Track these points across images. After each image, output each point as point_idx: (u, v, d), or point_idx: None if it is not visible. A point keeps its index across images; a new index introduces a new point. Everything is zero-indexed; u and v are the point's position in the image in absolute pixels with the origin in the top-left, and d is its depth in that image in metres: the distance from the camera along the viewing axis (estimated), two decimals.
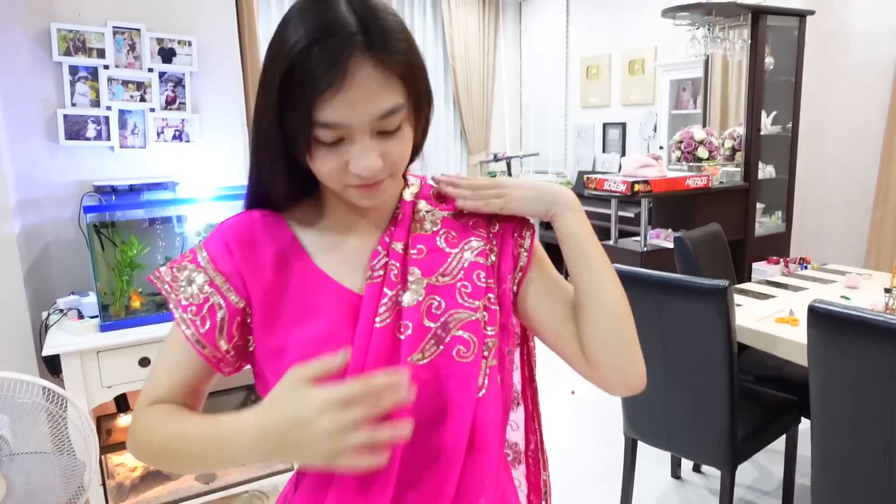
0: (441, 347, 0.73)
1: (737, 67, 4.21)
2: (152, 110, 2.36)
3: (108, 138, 2.30)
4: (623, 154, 5.45)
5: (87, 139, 2.27)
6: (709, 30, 3.78)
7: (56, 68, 2.21)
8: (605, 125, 5.67)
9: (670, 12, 3.76)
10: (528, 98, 6.61)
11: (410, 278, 0.76)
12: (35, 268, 2.23)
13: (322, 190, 0.80)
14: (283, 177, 0.75)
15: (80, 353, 1.94)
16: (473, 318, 0.75)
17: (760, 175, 3.90)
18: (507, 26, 6.54)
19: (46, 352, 1.90)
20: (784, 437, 2.25)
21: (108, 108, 2.28)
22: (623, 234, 3.91)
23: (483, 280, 0.77)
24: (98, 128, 2.28)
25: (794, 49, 3.85)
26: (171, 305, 0.76)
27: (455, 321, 0.74)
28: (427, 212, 0.83)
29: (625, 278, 2.04)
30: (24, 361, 2.07)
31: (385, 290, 0.75)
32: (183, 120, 2.41)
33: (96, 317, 2.08)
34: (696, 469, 2.69)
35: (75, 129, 2.25)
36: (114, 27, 2.25)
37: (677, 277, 1.90)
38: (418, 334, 0.73)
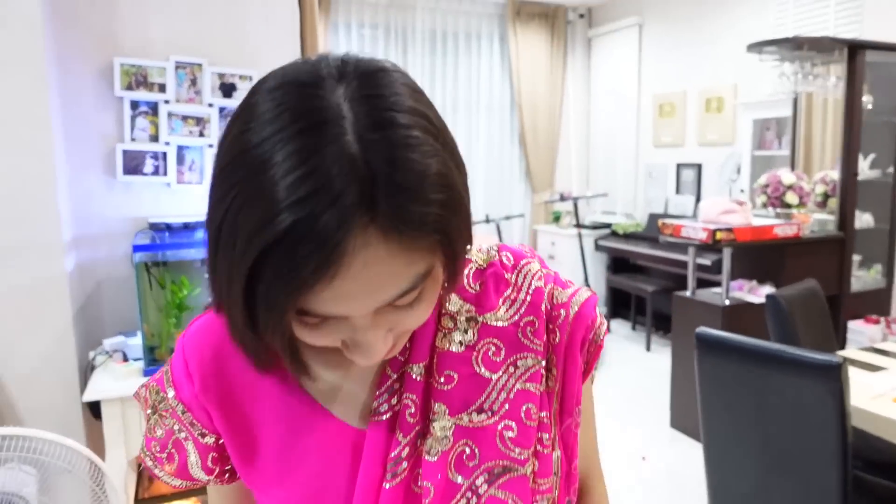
0: None
1: (829, 106, 3.89)
2: (210, 146, 2.29)
3: (166, 174, 2.24)
4: (698, 197, 5.14)
5: (145, 174, 2.22)
6: (800, 65, 3.50)
7: (117, 103, 2.18)
8: (678, 166, 5.38)
9: (756, 47, 3.51)
10: (597, 136, 6.40)
11: (433, 417, 0.56)
12: (86, 306, 2.17)
13: None
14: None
15: (121, 399, 1.85)
16: (518, 473, 0.56)
17: (857, 224, 3.54)
18: (576, 62, 6.38)
19: (87, 397, 1.83)
20: None
21: (167, 143, 2.23)
22: (699, 283, 3.61)
23: (534, 417, 0.57)
24: (156, 163, 2.23)
25: (895, 87, 3.52)
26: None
27: (494, 476, 0.56)
28: (459, 314, 0.59)
29: (717, 346, 1.79)
30: (68, 404, 1.99)
31: (398, 436, 0.55)
32: None
33: (141, 359, 1.99)
34: None
35: (133, 164, 2.20)
36: (176, 62, 2.21)
37: (782, 349, 1.64)
38: (443, 496, 0.55)
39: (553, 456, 0.59)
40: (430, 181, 0.43)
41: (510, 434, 0.56)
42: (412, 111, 0.45)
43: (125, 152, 2.18)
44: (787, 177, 3.51)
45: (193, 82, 2.24)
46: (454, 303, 0.59)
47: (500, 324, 0.59)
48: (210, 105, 2.27)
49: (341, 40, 5.40)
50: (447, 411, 0.56)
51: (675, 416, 3.44)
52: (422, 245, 0.44)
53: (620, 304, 5.68)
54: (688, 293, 3.40)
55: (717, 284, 3.61)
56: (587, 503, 0.70)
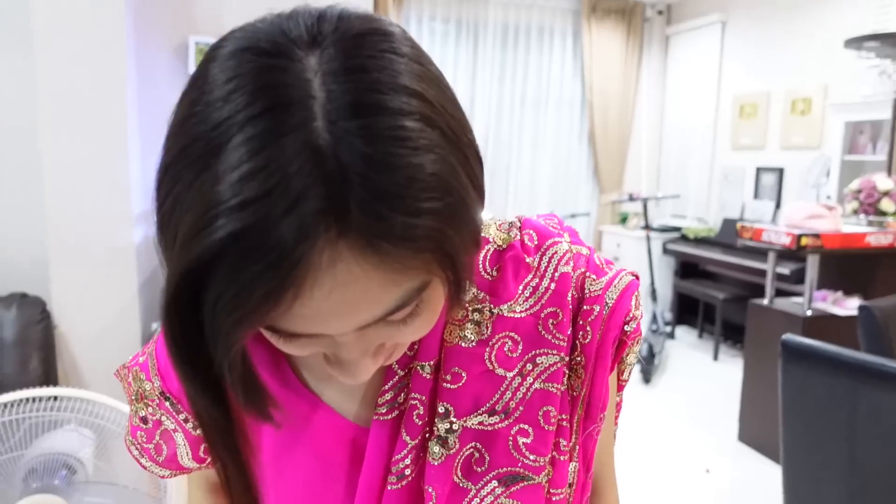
0: None
1: None
2: None
3: None
4: (778, 203, 4.86)
5: None
6: None
7: None
8: (758, 169, 5.10)
9: (855, 42, 3.26)
10: (670, 136, 6.16)
11: (440, 419, 0.49)
12: (151, 278, 2.21)
13: None
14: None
15: None
16: (533, 482, 0.49)
17: None
18: (651, 59, 6.16)
19: None
20: None
21: None
22: (776, 292, 3.39)
23: (553, 421, 0.50)
24: None
25: None
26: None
27: (505, 484, 0.49)
28: (472, 305, 0.51)
29: (805, 354, 1.64)
30: None
31: (405, 437, 0.49)
32: None
33: None
34: None
35: None
36: None
37: (881, 362, 1.48)
38: (448, 501, 0.49)
39: (570, 466, 0.52)
40: (422, 184, 0.33)
41: (525, 439, 0.50)
42: (406, 91, 0.34)
43: None
44: (883, 182, 3.24)
45: None
46: (472, 297, 0.51)
47: (517, 315, 0.51)
48: None
49: (412, 34, 5.38)
50: (454, 412, 0.49)
51: (743, 430, 3.25)
52: (410, 263, 0.34)
53: (687, 311, 5.43)
54: (765, 301, 3.20)
55: (796, 295, 3.38)
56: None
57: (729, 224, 4.95)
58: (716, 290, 4.73)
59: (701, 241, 5.19)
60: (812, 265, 3.00)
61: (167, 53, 2.18)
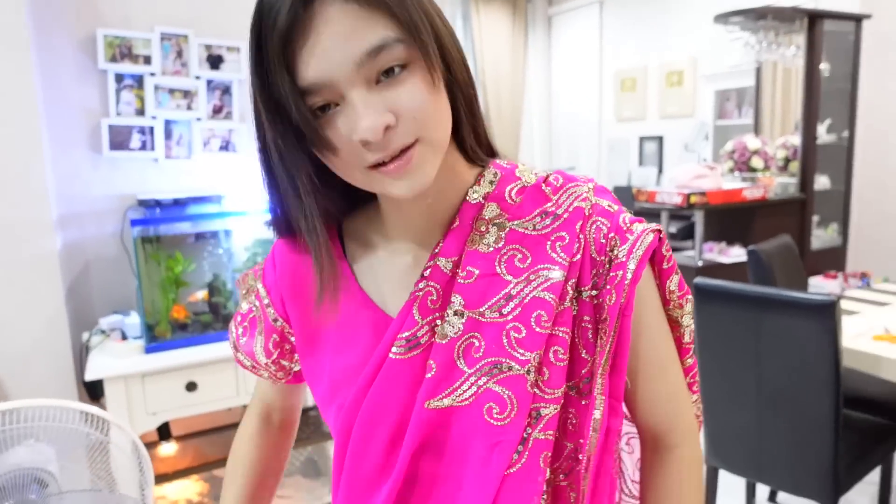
0: (471, 398, 0.58)
1: (786, 75, 4.05)
2: (199, 120, 2.25)
3: (153, 149, 2.19)
4: (660, 168, 5.29)
5: (132, 150, 2.17)
6: (763, 35, 3.63)
7: (101, 76, 2.11)
8: (641, 139, 5.52)
9: (723, 17, 3.62)
10: (559, 111, 6.49)
11: (451, 307, 0.60)
12: (75, 286, 2.11)
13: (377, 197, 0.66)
14: (317, 194, 0.60)
15: (124, 377, 1.82)
16: (517, 371, 0.58)
17: (815, 186, 3.72)
18: (536, 39, 6.44)
19: (90, 376, 1.78)
20: (879, 468, 2.06)
21: (154, 117, 2.18)
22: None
23: (545, 325, 0.58)
24: (143, 138, 2.18)
25: (850, 55, 3.69)
26: None
27: (494, 371, 0.58)
28: (493, 219, 0.62)
29: (716, 294, 1.88)
30: (63, 386, 1.94)
31: (415, 315, 0.60)
32: (230, 130, 2.30)
33: (140, 338, 1.96)
34: (772, 498, 2.49)
35: (119, 140, 2.15)
36: (161, 33, 2.15)
37: (779, 292, 1.74)
38: (444, 376, 0.59)
39: (563, 370, 0.59)
40: None
41: (517, 335, 0.58)
42: None
43: (111, 127, 2.12)
44: (752, 142, 3.66)
45: (179, 54, 2.19)
46: (491, 210, 0.62)
47: (529, 233, 0.61)
48: (197, 77, 2.22)
49: None
50: (463, 303, 0.60)
51: None
52: (374, 7, 0.51)
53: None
54: None
55: (685, 250, 3.74)
56: (668, 463, 0.67)
57: (619, 191, 5.30)
58: None
59: None
60: (699, 220, 3.34)
61: (73, 48, 2.06)
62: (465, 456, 0.58)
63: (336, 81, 0.52)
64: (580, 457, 0.60)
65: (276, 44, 0.51)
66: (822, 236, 3.87)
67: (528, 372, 0.57)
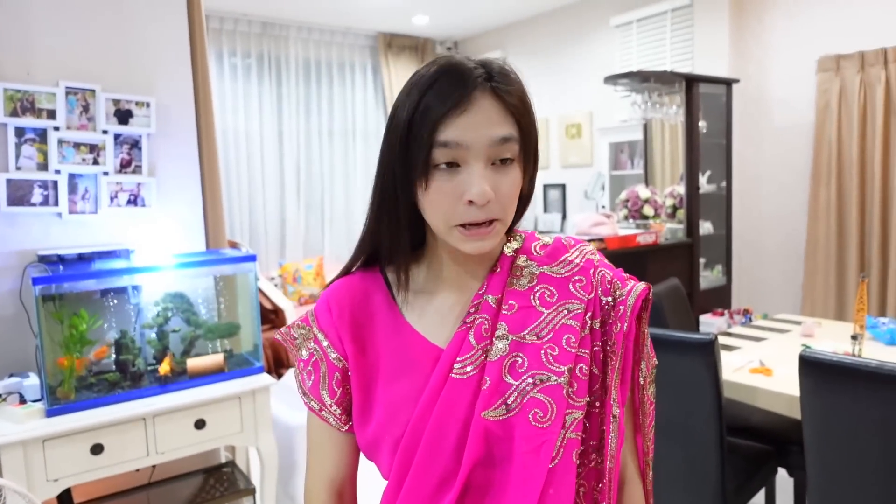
0: (518, 407, 0.71)
1: (669, 130, 4.46)
2: (105, 174, 2.22)
3: (56, 204, 2.14)
4: (564, 214, 5.60)
5: (33, 205, 2.10)
6: (648, 95, 4.00)
7: (1, 130, 2.05)
8: (545, 186, 5.83)
9: (612, 79, 3.96)
10: None
11: (498, 333, 0.75)
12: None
13: (426, 246, 0.81)
14: (398, 224, 0.76)
15: (23, 443, 1.73)
16: (555, 381, 0.72)
17: (700, 231, 4.08)
18: None
19: None
20: (763, 490, 2.26)
21: (58, 171, 2.13)
22: None
23: (573, 346, 0.74)
24: (45, 193, 2.12)
25: (724, 113, 4.12)
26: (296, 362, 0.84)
27: (536, 382, 0.72)
28: (525, 266, 0.80)
29: None
30: None
31: (471, 340, 0.74)
32: (139, 184, 2.28)
33: (40, 400, 1.88)
34: None
35: (19, 195, 2.08)
36: (66, 87, 2.13)
37: (666, 333, 1.91)
38: (496, 389, 0.72)
39: (586, 382, 0.74)
40: (517, 79, 0.74)
41: (553, 353, 0.74)
42: (514, 70, 0.75)
43: (9, 181, 2.06)
44: (643, 192, 3.97)
45: (86, 109, 2.17)
46: (522, 259, 0.80)
47: (555, 275, 0.79)
48: (105, 132, 2.20)
49: (213, 68, 5.29)
50: (507, 329, 0.75)
51: None
52: (511, 110, 0.71)
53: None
54: None
55: None
56: (626, 496, 0.82)
57: None
58: None
59: None
60: None
61: None
62: (514, 458, 0.70)
63: (469, 148, 0.69)
64: (592, 454, 0.75)
65: (437, 106, 0.68)
66: (709, 277, 4.23)
67: (564, 382, 0.72)
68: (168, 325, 2.17)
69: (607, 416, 0.75)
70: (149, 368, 2.10)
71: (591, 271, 0.79)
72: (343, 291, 0.82)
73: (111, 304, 2.13)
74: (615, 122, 4.89)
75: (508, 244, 0.81)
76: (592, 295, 0.77)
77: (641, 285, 0.79)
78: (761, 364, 2.27)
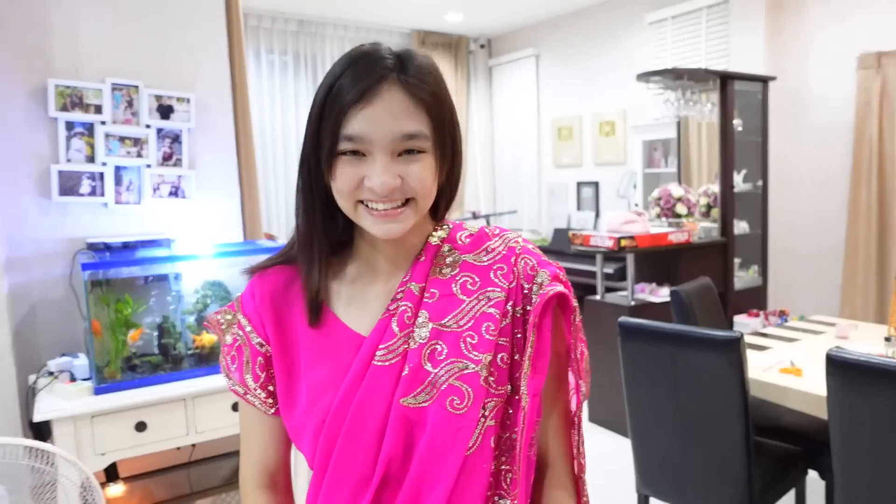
0: (435, 394, 0.72)
1: (704, 128, 4.41)
2: (149, 166, 2.32)
3: (103, 194, 2.24)
4: (597, 212, 5.58)
5: (81, 195, 2.21)
6: (682, 93, 3.97)
7: (51, 124, 2.17)
8: (578, 184, 5.82)
9: (644, 76, 3.94)
10: (502, 157, 6.76)
11: (419, 321, 0.75)
12: (21, 329, 2.11)
13: (354, 238, 0.81)
14: (314, 214, 0.77)
15: (73, 418, 1.83)
16: (472, 370, 0.72)
17: (736, 230, 4.03)
18: (478, 88, 6.74)
19: (38, 417, 1.79)
20: (793, 491, 2.24)
21: (104, 163, 2.24)
22: (605, 290, 3.95)
23: (492, 333, 0.74)
24: (93, 184, 2.23)
25: (760, 111, 4.06)
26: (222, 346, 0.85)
27: (454, 370, 0.72)
28: (449, 255, 0.80)
29: (637, 332, 2.05)
30: (10, 429, 1.94)
31: (394, 328, 0.75)
32: (179, 176, 2.38)
33: (88, 379, 1.98)
34: None
35: (69, 186, 2.19)
36: (112, 84, 2.23)
37: (691, 330, 1.92)
38: (415, 377, 0.72)
39: (506, 371, 0.74)
40: (431, 72, 0.73)
41: (472, 340, 0.74)
42: (430, 59, 0.75)
43: (61, 173, 2.17)
44: (676, 190, 3.94)
45: (130, 104, 2.27)
46: (446, 248, 0.80)
47: (477, 263, 0.79)
48: (147, 126, 2.30)
49: (251, 65, 5.42)
50: (429, 317, 0.75)
51: (592, 411, 3.73)
52: (422, 104, 0.70)
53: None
54: (598, 297, 3.72)
55: (621, 290, 3.96)
56: (546, 488, 0.82)
57: (559, 233, 5.58)
58: None
59: None
60: (631, 262, 3.57)
61: (23, 96, 2.11)
62: (431, 444, 0.70)
63: (373, 143, 0.69)
64: (517, 444, 0.74)
65: (341, 98, 0.69)
66: (744, 277, 4.17)
67: (482, 369, 0.72)
68: (207, 311, 2.25)
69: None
70: (188, 352, 2.19)
71: (513, 259, 0.78)
72: (267, 279, 0.82)
73: (154, 289, 2.23)
74: (649, 119, 4.85)
75: (435, 233, 0.81)
76: (514, 283, 0.77)
77: (557, 287, 0.77)
78: (792, 364, 2.25)
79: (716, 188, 3.99)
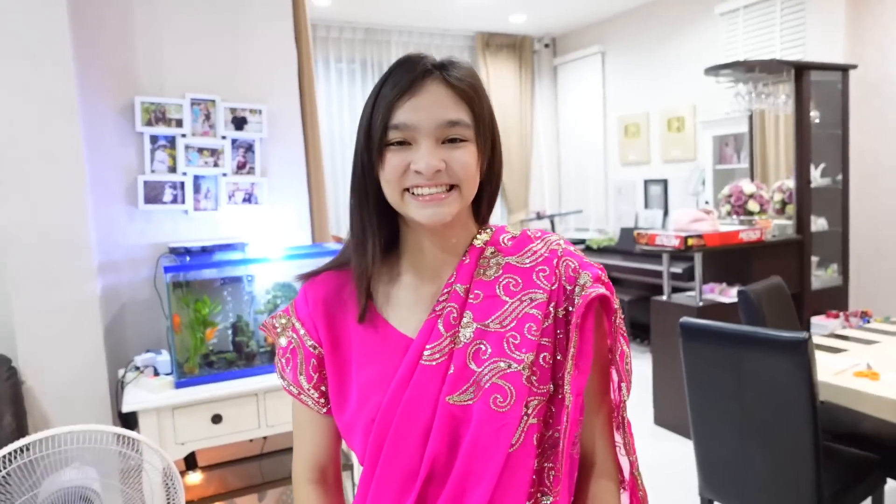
0: (480, 392, 0.75)
1: (775, 122, 4.23)
2: (224, 175, 2.47)
3: (183, 202, 2.41)
4: (665, 210, 5.45)
5: (164, 203, 2.38)
6: (753, 86, 3.83)
7: (138, 138, 2.35)
8: (646, 182, 5.70)
9: (713, 70, 3.83)
10: (567, 156, 6.71)
11: (464, 321, 0.78)
12: (111, 327, 2.30)
13: (400, 240, 0.85)
14: (368, 211, 0.81)
15: (156, 409, 1.98)
16: (515, 369, 0.75)
17: (813, 227, 3.85)
18: (543, 87, 6.72)
19: (126, 408, 1.95)
20: (869, 500, 2.15)
21: (184, 173, 2.40)
22: (672, 290, 3.87)
23: (534, 334, 0.77)
24: (174, 192, 2.39)
25: (839, 102, 3.87)
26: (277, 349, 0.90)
27: (497, 369, 0.75)
28: (493, 257, 0.83)
29: (699, 332, 2.02)
30: (101, 418, 2.11)
31: (440, 328, 0.78)
32: (252, 184, 2.52)
33: (170, 374, 2.13)
34: None
35: (153, 194, 2.37)
36: (192, 98, 2.39)
37: (755, 330, 1.88)
38: (460, 375, 0.75)
39: (549, 370, 0.77)
40: (469, 72, 0.79)
41: (514, 341, 0.77)
42: (470, 66, 0.81)
43: (146, 183, 2.35)
44: (747, 187, 3.82)
45: (207, 117, 2.42)
46: (490, 251, 0.83)
47: (520, 266, 0.82)
48: (223, 137, 2.45)
49: (321, 74, 5.62)
50: (473, 317, 0.79)
51: (658, 414, 3.66)
52: (463, 97, 0.76)
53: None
54: (664, 297, 3.65)
55: (689, 290, 3.87)
56: (591, 486, 0.84)
57: (626, 232, 5.48)
58: (621, 294, 5.21)
59: (603, 250, 5.70)
60: (699, 262, 3.48)
61: (113, 114, 2.30)
62: (475, 441, 0.74)
63: (418, 130, 0.75)
64: (560, 442, 0.76)
65: (389, 93, 0.75)
66: (822, 276, 3.98)
67: (524, 369, 0.75)
68: (277, 311, 2.38)
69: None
70: (261, 350, 2.32)
71: (555, 261, 0.81)
72: (319, 285, 0.87)
73: (229, 290, 2.37)
74: (719, 114, 4.71)
75: (478, 236, 0.85)
76: (556, 285, 0.80)
77: (599, 289, 0.79)
78: (868, 367, 2.16)
79: (791, 184, 3.83)
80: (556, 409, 0.77)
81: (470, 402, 0.74)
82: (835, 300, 3.93)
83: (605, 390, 0.85)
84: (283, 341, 0.87)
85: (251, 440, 2.19)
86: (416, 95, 0.75)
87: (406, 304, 0.83)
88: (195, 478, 2.27)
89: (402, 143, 0.75)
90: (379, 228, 0.82)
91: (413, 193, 0.76)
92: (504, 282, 0.80)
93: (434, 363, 0.76)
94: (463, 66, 0.79)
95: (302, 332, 0.85)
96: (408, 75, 0.75)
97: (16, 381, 2.02)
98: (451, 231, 0.81)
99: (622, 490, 0.88)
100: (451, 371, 0.75)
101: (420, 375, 0.76)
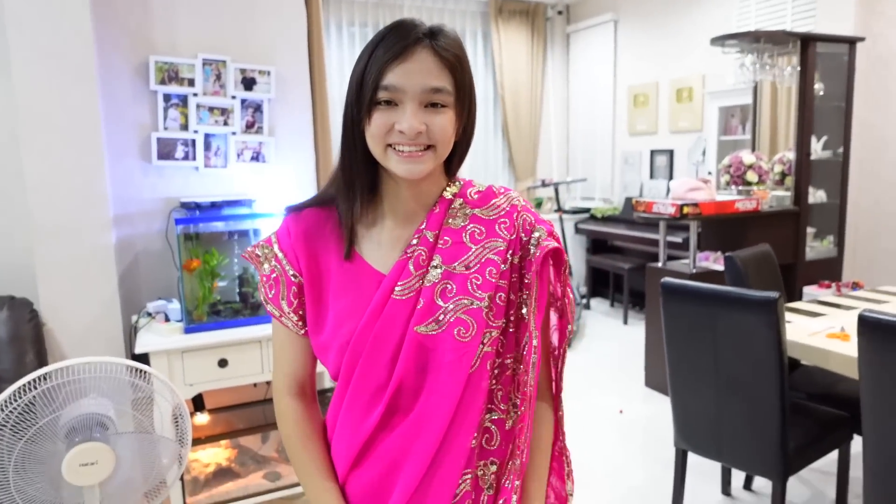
0: (445, 325, 0.86)
1: (786, 93, 4.24)
2: (234, 134, 2.58)
3: (194, 159, 2.53)
4: (671, 180, 5.49)
5: (176, 160, 2.50)
6: (758, 57, 3.85)
7: (152, 96, 2.45)
8: (652, 152, 5.73)
9: (719, 40, 3.85)
10: (576, 125, 6.73)
11: (433, 263, 0.89)
12: (125, 276, 2.44)
13: (378, 189, 0.94)
14: (355, 159, 0.90)
15: (167, 352, 2.13)
16: (476, 305, 0.87)
17: (811, 199, 3.91)
18: (555, 55, 6.71)
19: (139, 350, 2.10)
20: (836, 458, 2.26)
21: (195, 131, 2.51)
22: (670, 258, 3.96)
23: (494, 276, 0.89)
24: (186, 149, 2.51)
25: (845, 75, 3.88)
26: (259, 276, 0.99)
27: (461, 306, 0.87)
28: (461, 208, 0.94)
29: (677, 292, 2.13)
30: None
31: (410, 268, 0.89)
32: (260, 143, 2.63)
33: (180, 320, 2.28)
34: (747, 486, 2.70)
35: (166, 151, 2.48)
36: (203, 59, 2.49)
37: (728, 290, 1.98)
38: (428, 309, 0.87)
39: (503, 307, 0.89)
40: (456, 43, 0.88)
41: (477, 282, 0.89)
42: (457, 36, 0.89)
43: (159, 140, 2.46)
44: (747, 157, 3.86)
45: (218, 77, 2.52)
46: (458, 202, 0.94)
47: (484, 217, 0.94)
48: (233, 97, 2.55)
49: (332, 38, 5.67)
50: (441, 260, 0.90)
51: (648, 376, 3.79)
52: (447, 66, 0.85)
53: (600, 283, 6.04)
54: (659, 264, 3.74)
55: (686, 258, 3.95)
56: (536, 412, 0.97)
57: (630, 202, 5.54)
58: (622, 262, 5.31)
59: (607, 219, 5.77)
60: (693, 230, 3.56)
61: (129, 73, 2.41)
62: (440, 365, 0.86)
63: (405, 93, 0.84)
64: (508, 366, 0.90)
65: (382, 56, 0.84)
66: (817, 247, 4.05)
67: (485, 306, 0.87)
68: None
69: (521, 335, 0.91)
70: None
71: (515, 215, 0.94)
72: (301, 219, 0.96)
73: (236, 244, 2.50)
74: (727, 85, 4.71)
75: (448, 188, 0.96)
76: (514, 236, 0.92)
77: (552, 243, 0.92)
78: (842, 330, 2.25)
79: (791, 156, 3.88)
80: (507, 340, 0.91)
81: (435, 332, 0.86)
82: (829, 271, 4.00)
83: (547, 327, 0.98)
84: (266, 268, 0.96)
85: (255, 385, 2.34)
86: (407, 61, 0.82)
87: (381, 245, 0.93)
88: (203, 419, 2.44)
89: (389, 103, 0.84)
90: (364, 171, 0.91)
91: (395, 149, 0.85)
92: (470, 230, 0.92)
93: (404, 297, 0.88)
94: (450, 35, 0.87)
95: (284, 261, 0.95)
96: (401, 41, 0.83)
97: (37, 322, 2.18)
98: (425, 183, 0.92)
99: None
100: (420, 305, 0.87)
101: (391, 308, 0.87)
